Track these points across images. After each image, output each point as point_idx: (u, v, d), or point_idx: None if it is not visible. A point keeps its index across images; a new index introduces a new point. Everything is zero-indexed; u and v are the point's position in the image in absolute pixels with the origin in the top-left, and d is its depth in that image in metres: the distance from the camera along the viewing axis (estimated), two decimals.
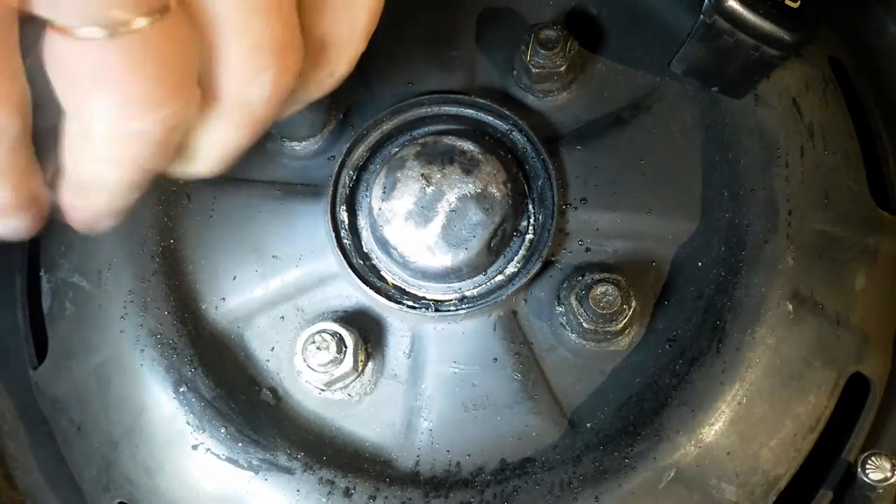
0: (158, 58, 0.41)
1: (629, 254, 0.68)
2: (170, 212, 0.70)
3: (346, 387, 0.66)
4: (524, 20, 0.73)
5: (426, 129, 0.71)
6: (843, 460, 0.66)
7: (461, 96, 0.70)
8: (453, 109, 0.71)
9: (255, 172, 0.72)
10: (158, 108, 0.43)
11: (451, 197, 0.65)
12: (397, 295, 0.67)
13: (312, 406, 0.67)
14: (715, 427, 0.63)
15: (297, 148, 0.71)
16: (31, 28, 0.41)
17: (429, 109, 0.71)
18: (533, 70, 0.69)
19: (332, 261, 0.68)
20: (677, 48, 0.65)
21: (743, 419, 0.63)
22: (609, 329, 0.64)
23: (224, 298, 0.69)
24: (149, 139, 0.44)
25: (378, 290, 0.67)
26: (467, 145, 0.67)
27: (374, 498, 0.63)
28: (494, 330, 0.67)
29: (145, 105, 0.42)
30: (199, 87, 0.45)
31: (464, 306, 0.67)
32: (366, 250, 0.69)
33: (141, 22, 0.40)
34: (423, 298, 0.68)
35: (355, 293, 0.68)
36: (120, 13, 0.39)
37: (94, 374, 0.68)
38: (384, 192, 0.66)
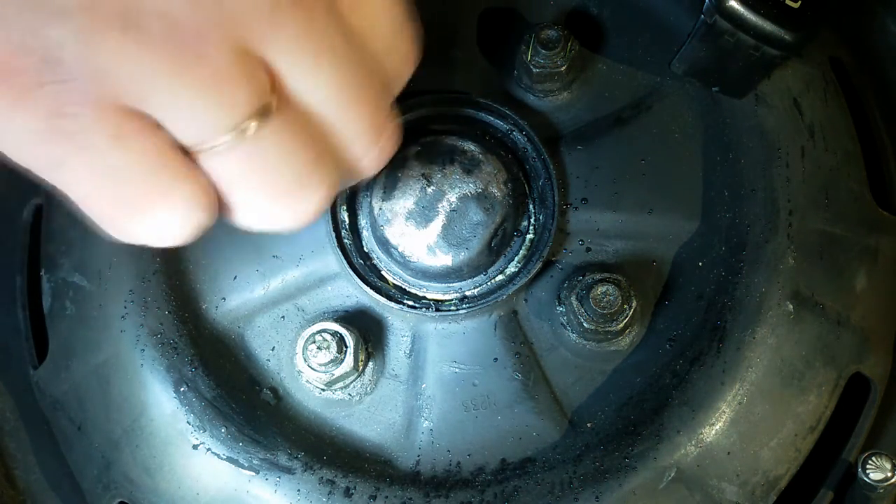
0: (280, 153, 0.46)
1: (630, 254, 0.68)
2: None
3: (346, 386, 0.66)
4: (525, 20, 0.73)
5: (427, 128, 0.71)
6: (844, 460, 0.66)
7: (462, 96, 0.70)
8: (454, 109, 0.71)
9: None
10: (298, 195, 0.48)
11: (452, 197, 0.65)
12: (398, 295, 0.67)
13: (313, 406, 0.67)
14: (715, 427, 0.62)
15: None
16: None
17: (429, 109, 0.71)
18: (534, 70, 0.69)
19: (333, 260, 0.68)
20: (678, 48, 0.65)
21: (743, 419, 0.63)
22: (609, 329, 0.64)
23: (224, 298, 0.69)
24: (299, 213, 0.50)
25: (378, 290, 0.67)
26: (468, 145, 0.67)
27: (374, 498, 0.63)
28: (495, 330, 0.67)
29: (289, 196, 0.48)
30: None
31: (464, 306, 0.66)
32: (366, 250, 0.69)
33: (251, 124, 0.44)
34: (424, 298, 0.68)
35: (356, 293, 0.68)
36: (230, 117, 0.43)
37: (95, 374, 0.68)
38: (385, 192, 0.66)
